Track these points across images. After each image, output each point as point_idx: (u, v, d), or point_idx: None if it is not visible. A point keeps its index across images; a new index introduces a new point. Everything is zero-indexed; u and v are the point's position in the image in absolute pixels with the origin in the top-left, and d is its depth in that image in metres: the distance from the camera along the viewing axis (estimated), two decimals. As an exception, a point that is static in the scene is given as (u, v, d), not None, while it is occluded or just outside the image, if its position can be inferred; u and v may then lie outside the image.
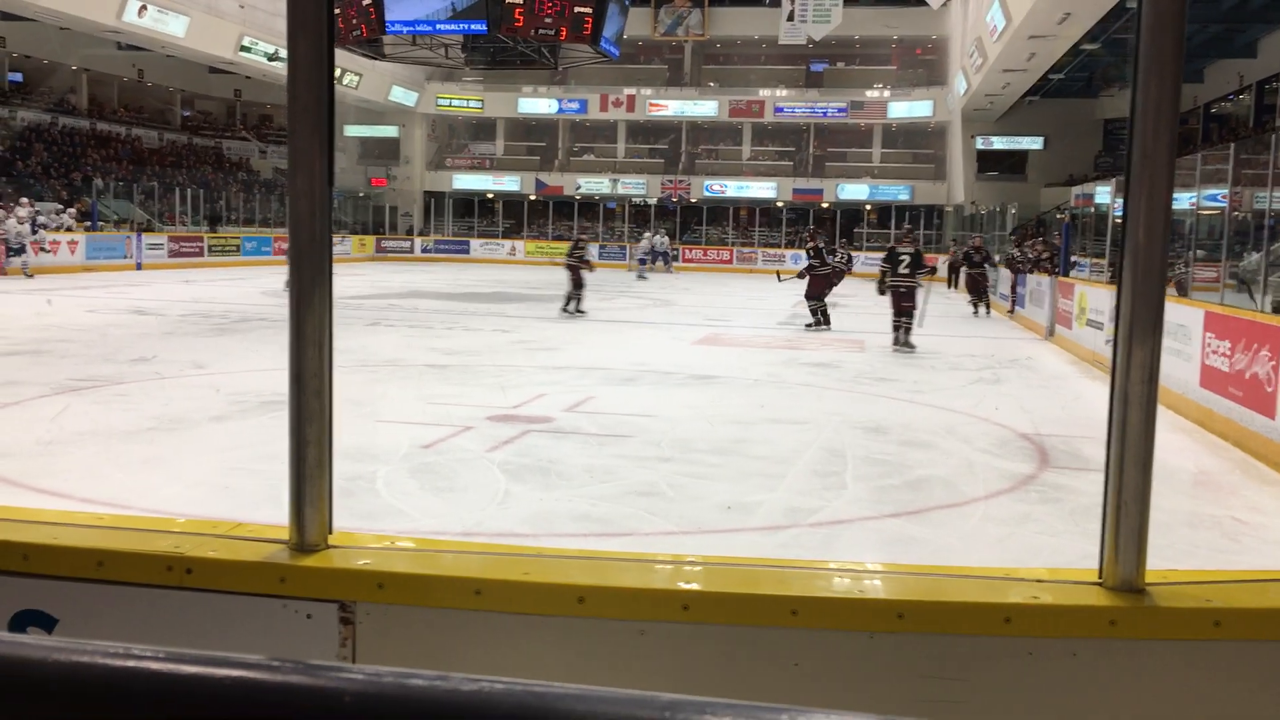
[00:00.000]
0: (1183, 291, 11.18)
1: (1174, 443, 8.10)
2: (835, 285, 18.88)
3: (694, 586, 1.70)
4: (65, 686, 0.46)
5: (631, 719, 0.42)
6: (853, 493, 6.33)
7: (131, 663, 0.46)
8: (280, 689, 0.45)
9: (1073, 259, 18.06)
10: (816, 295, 17.55)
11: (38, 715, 0.46)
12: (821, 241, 18.78)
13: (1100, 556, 1.69)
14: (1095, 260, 16.95)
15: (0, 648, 0.47)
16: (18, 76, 36.64)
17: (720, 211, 45.10)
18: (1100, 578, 1.69)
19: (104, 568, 1.77)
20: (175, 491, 5.96)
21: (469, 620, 1.70)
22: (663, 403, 9.43)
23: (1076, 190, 26.89)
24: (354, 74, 38.95)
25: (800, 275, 18.06)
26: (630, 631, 1.67)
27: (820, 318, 17.35)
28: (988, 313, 21.58)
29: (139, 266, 28.58)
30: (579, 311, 18.01)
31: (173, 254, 30.40)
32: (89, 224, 29.50)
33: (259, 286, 21.56)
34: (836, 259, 19.87)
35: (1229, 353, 8.47)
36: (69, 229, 28.05)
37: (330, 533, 1.81)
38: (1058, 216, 26.92)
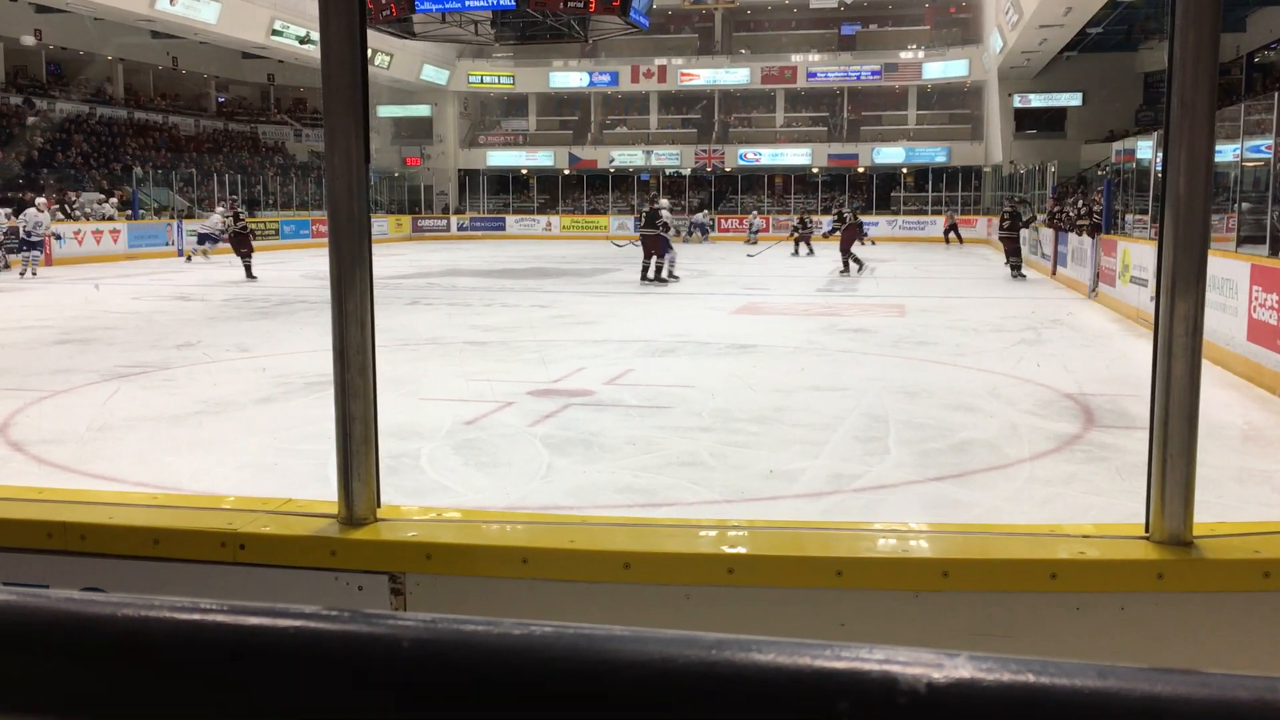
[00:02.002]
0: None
1: (1221, 398, 8.00)
2: (863, 237, 22.80)
3: (738, 550, 1.72)
4: (134, 641, 0.48)
5: (679, 657, 0.43)
6: (896, 457, 6.31)
7: (197, 616, 0.48)
8: (340, 637, 0.47)
9: (1117, 215, 17.80)
10: (845, 247, 21.79)
11: (108, 670, 0.48)
12: (842, 207, 23.59)
13: (1146, 510, 1.68)
14: (1139, 216, 16.70)
15: (69, 605, 0.49)
16: (55, 69, 37.06)
17: (755, 180, 44.86)
18: (1147, 532, 1.68)
19: (159, 545, 1.81)
20: (225, 473, 6.06)
21: (516, 588, 1.72)
22: (702, 373, 9.43)
23: (1117, 146, 26.44)
24: (385, 54, 39.03)
25: (827, 236, 23.79)
26: (676, 596, 1.68)
27: (851, 263, 21.70)
28: (1021, 275, 21.42)
29: (181, 253, 28.91)
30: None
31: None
32: (130, 213, 29.85)
33: (299, 269, 21.74)
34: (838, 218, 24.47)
35: (1277, 305, 8.34)
36: (110, 218, 28.41)
37: (379, 506, 1.84)
38: (1099, 173, 26.53)
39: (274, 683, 0.46)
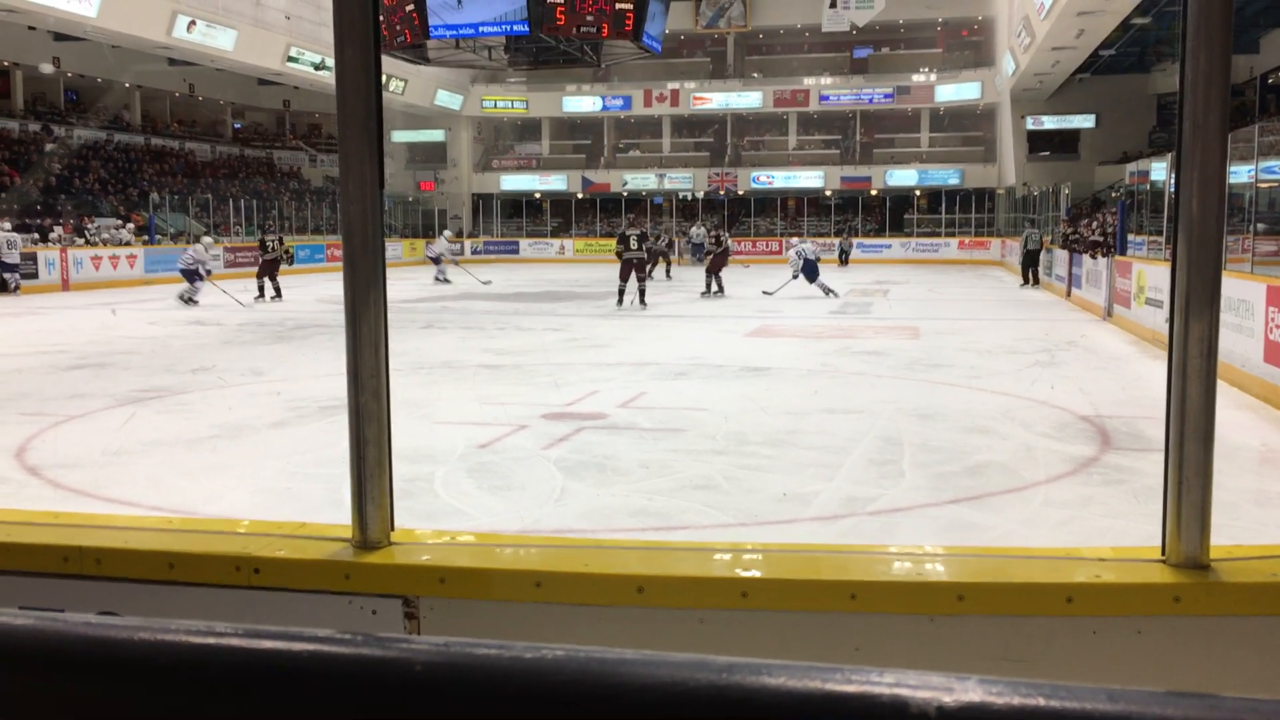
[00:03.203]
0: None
1: (1238, 420, 7.95)
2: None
3: (753, 574, 1.71)
4: (148, 664, 0.48)
5: (690, 680, 0.43)
6: (911, 480, 6.29)
7: (213, 640, 0.49)
8: (354, 660, 0.47)
9: (1130, 237, 17.79)
10: (714, 270, 21.78)
11: (123, 693, 0.48)
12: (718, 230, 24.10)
13: (1163, 533, 1.68)
14: (1153, 238, 16.67)
15: (86, 629, 0.50)
16: (73, 96, 37.42)
17: (768, 202, 44.92)
18: (1163, 555, 1.67)
19: (174, 570, 1.82)
20: (239, 497, 6.07)
21: (530, 612, 1.72)
22: (716, 396, 9.42)
23: (1131, 167, 26.42)
24: (399, 80, 39.31)
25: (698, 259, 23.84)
26: (689, 620, 1.68)
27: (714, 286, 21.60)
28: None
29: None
30: (639, 303, 18.65)
31: (229, 264, 30.86)
32: (147, 238, 30.05)
33: (313, 294, 21.83)
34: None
35: (1293, 327, 8.30)
36: (127, 243, 28.61)
37: (392, 529, 1.85)
38: (1113, 195, 26.50)
39: (288, 706, 0.47)
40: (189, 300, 19.66)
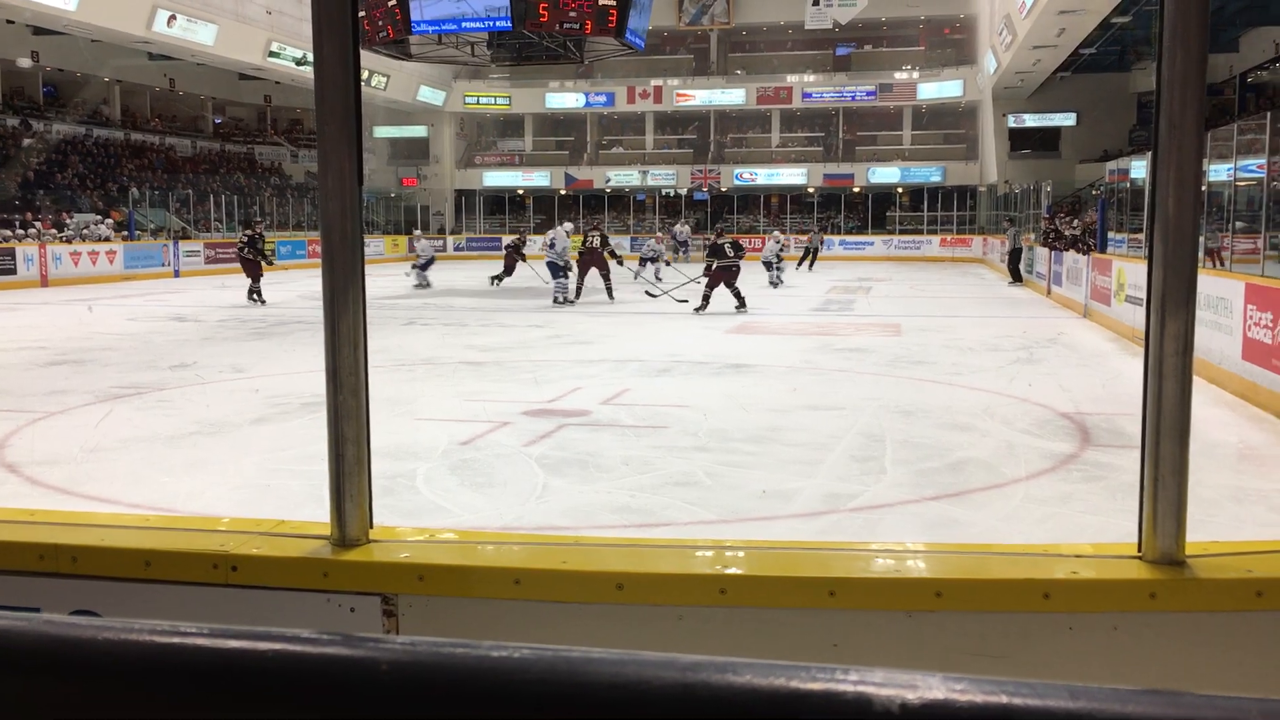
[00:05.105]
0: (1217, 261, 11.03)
1: (1217, 417, 8.01)
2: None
3: (731, 571, 1.71)
4: (114, 664, 0.48)
5: (656, 679, 0.43)
6: (892, 477, 6.31)
7: (177, 639, 0.48)
8: (319, 660, 0.47)
9: (1111, 235, 17.90)
10: (584, 271, 19.57)
11: (89, 692, 0.48)
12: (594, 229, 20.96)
13: (1139, 530, 1.69)
14: (1133, 236, 16.76)
15: (51, 629, 0.49)
16: (51, 90, 37.16)
17: (751, 199, 44.98)
18: (1140, 551, 1.68)
19: (151, 568, 1.81)
20: (219, 494, 6.04)
21: (509, 609, 1.72)
22: (698, 393, 9.43)
23: (1111, 165, 26.57)
24: (381, 75, 39.16)
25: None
26: (669, 617, 1.68)
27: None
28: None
29: (177, 274, 28.93)
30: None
31: (209, 260, 30.74)
32: (126, 233, 29.88)
33: (295, 290, 21.76)
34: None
35: (1271, 324, 8.36)
36: (107, 239, 28.45)
37: (371, 527, 1.84)
38: (1093, 193, 26.65)
39: (253, 707, 0.46)
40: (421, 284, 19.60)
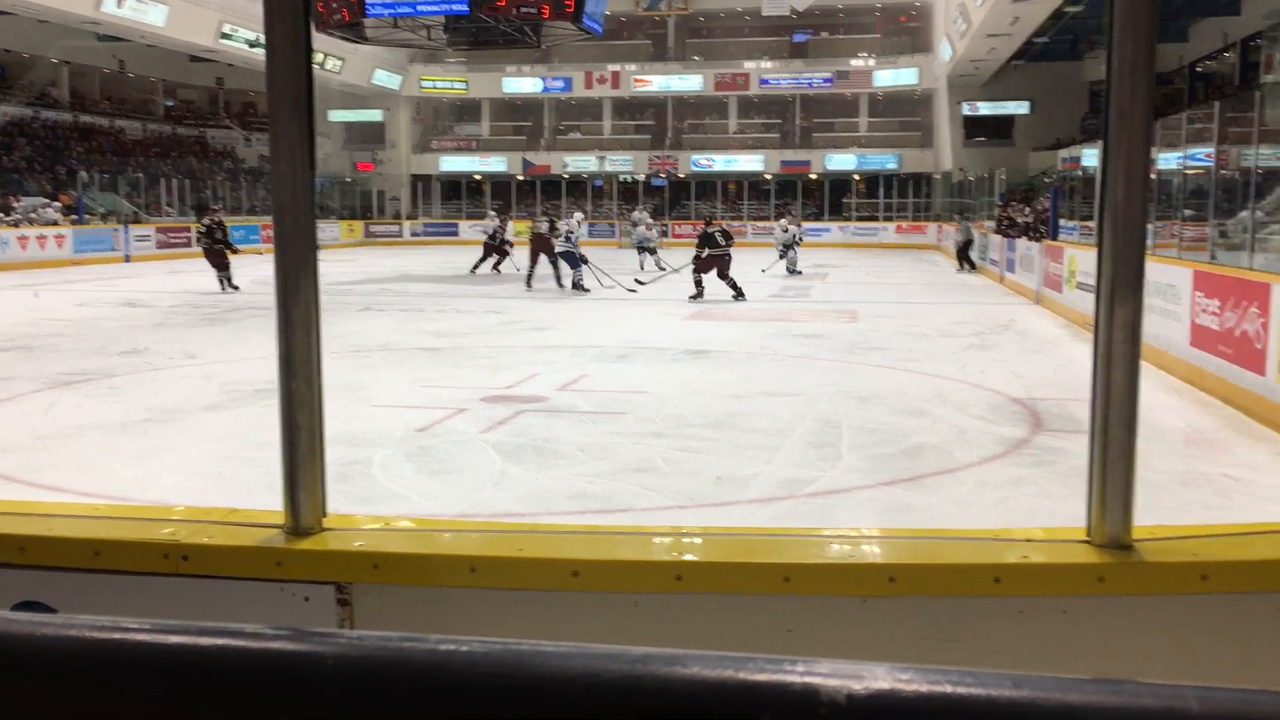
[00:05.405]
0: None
1: (1165, 402, 8.14)
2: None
3: (687, 557, 1.72)
4: (55, 660, 0.47)
5: (605, 671, 0.43)
6: (848, 462, 6.36)
7: (119, 635, 0.48)
8: (264, 655, 0.46)
9: (1063, 223, 18.10)
10: (535, 255, 19.56)
11: (29, 689, 0.47)
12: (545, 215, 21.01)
13: (1088, 515, 1.71)
14: (1084, 223, 16.96)
15: None
16: (-3, 71, 36.43)
17: (709, 186, 45.01)
18: (1089, 535, 1.70)
19: (100, 557, 1.78)
20: (172, 481, 5.97)
21: (464, 597, 1.71)
22: (656, 379, 9.44)
23: (1063, 154, 26.87)
24: (336, 58, 38.72)
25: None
26: (625, 604, 1.68)
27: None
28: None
29: (128, 259, 28.49)
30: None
31: (160, 245, 30.29)
32: (75, 217, 29.38)
33: (248, 275, 21.49)
34: None
35: (1219, 311, 8.51)
36: (55, 223, 27.95)
37: (325, 515, 1.83)
38: (1046, 181, 26.94)
39: (198, 702, 0.46)
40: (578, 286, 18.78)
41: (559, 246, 18.92)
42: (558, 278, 19.27)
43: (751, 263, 22.91)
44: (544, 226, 19.70)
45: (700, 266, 16.99)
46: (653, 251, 23.69)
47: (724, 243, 16.98)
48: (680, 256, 21.65)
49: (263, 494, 5.26)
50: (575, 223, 19.12)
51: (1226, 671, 1.64)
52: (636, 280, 19.35)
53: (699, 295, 16.84)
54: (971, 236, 26.03)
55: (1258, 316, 7.66)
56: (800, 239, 25.31)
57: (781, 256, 23.98)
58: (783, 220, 26.17)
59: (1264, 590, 1.65)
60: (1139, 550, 1.67)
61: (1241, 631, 1.66)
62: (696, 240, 17.73)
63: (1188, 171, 11.80)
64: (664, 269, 20.47)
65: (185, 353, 11.13)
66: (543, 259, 19.40)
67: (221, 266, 19.15)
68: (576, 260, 18.64)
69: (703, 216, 24.77)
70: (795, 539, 1.90)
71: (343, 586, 1.73)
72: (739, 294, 16.92)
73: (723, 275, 16.87)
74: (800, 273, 23.54)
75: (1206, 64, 32.93)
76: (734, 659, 0.45)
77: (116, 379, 9.46)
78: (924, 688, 0.42)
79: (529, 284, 19.30)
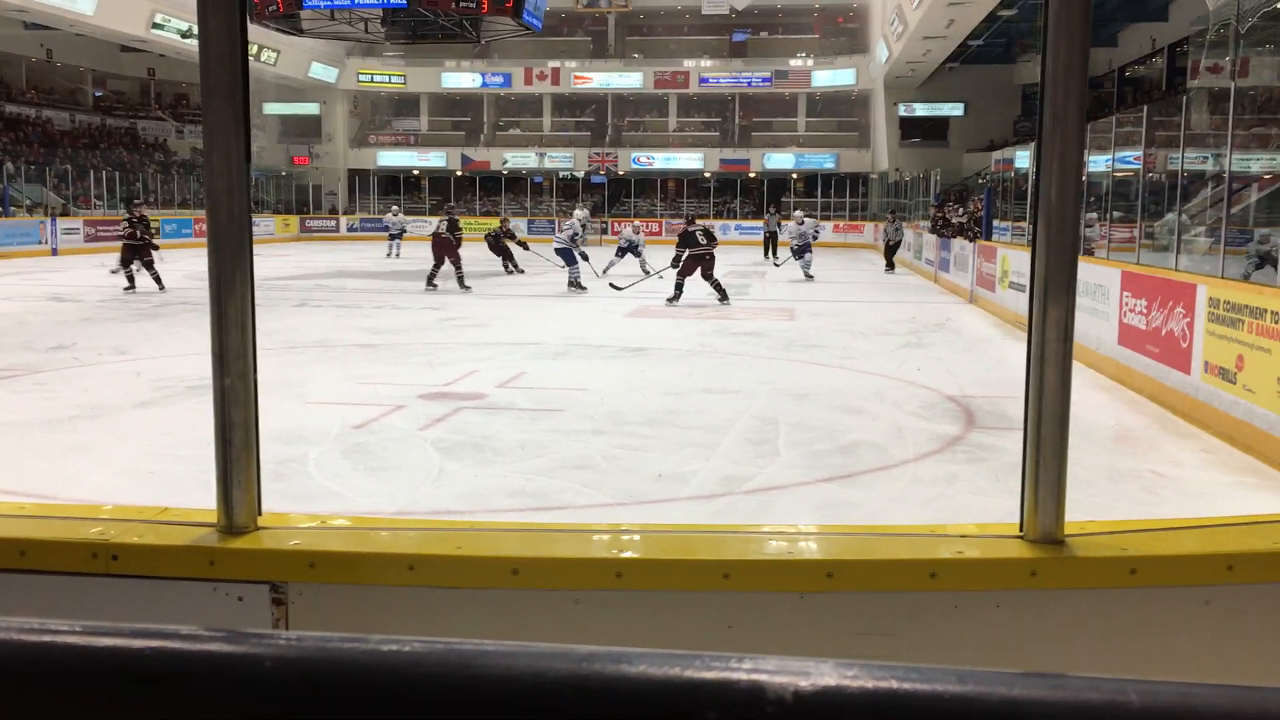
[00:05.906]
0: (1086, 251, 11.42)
1: (1094, 400, 8.30)
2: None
3: (627, 554, 1.72)
4: None
5: (549, 670, 0.43)
6: (786, 459, 6.40)
7: (47, 637, 0.46)
8: (200, 657, 0.45)
9: (996, 223, 18.39)
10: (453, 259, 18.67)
11: None
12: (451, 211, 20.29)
13: (1021, 511, 1.74)
14: (1017, 224, 17.25)
15: None
16: (-82, 58, 35.43)
17: (648, 184, 45.07)
18: (1021, 531, 1.73)
19: (26, 557, 1.74)
20: (101, 480, 5.85)
21: (402, 596, 1.70)
22: (595, 376, 9.44)
23: (996, 155, 27.29)
24: (272, 50, 38.16)
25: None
26: (564, 601, 1.68)
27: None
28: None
29: (55, 252, 27.85)
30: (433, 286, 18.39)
31: (89, 238, 29.64)
32: (0, 210, 28.66)
33: (181, 269, 21.10)
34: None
35: (1145, 310, 8.69)
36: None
37: (260, 514, 1.80)
38: (979, 181, 27.35)
39: (130, 707, 0.45)
40: (575, 285, 18.21)
41: (557, 244, 18.45)
42: (460, 279, 18.38)
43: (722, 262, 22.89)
44: (443, 227, 18.79)
45: (684, 270, 16.05)
46: (638, 253, 21.93)
47: (705, 242, 16.05)
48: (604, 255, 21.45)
49: (196, 492, 5.17)
50: (578, 221, 18.79)
51: (1155, 663, 1.67)
52: (612, 285, 18.46)
53: (676, 298, 15.89)
54: (902, 237, 26.24)
55: (1183, 316, 7.84)
56: (817, 235, 22.90)
57: (797, 256, 22.09)
58: (798, 213, 24.22)
59: (1190, 584, 1.69)
60: (1070, 545, 1.70)
61: (1169, 624, 1.70)
62: (677, 240, 16.55)
63: (1116, 174, 12.05)
64: (648, 272, 19.36)
65: (115, 349, 10.90)
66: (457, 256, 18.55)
67: (148, 263, 18.09)
68: (574, 258, 18.18)
69: (685, 215, 22.74)
70: (734, 536, 1.91)
71: (278, 586, 1.71)
72: (724, 296, 16.12)
73: (707, 276, 16.02)
74: (813, 278, 21.60)
75: (1135, 69, 33.65)
76: (680, 657, 0.45)
77: (43, 375, 9.24)
78: (870, 684, 0.43)
79: (428, 285, 18.52)
